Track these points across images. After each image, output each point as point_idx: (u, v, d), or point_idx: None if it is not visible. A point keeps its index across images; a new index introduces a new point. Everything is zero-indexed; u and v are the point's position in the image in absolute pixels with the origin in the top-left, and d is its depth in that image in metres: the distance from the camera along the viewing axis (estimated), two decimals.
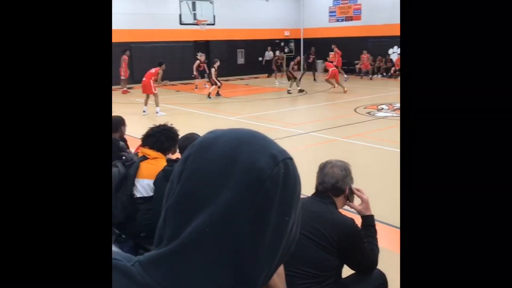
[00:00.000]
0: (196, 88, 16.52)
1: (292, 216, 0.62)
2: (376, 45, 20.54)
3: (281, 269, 0.70)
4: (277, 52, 20.34)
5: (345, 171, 2.25)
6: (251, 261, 0.59)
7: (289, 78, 14.97)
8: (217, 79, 13.79)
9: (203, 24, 19.17)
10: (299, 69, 18.36)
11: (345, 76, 18.25)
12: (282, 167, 0.60)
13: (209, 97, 13.71)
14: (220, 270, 0.57)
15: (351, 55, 20.39)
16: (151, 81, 11.09)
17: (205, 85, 16.18)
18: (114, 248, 0.92)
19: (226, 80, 18.40)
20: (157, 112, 10.84)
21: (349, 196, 2.27)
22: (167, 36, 19.35)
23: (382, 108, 11.61)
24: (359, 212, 2.36)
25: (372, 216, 2.36)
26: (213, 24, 19.60)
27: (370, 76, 19.63)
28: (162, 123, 3.40)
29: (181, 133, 3.32)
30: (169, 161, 3.08)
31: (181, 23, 18.88)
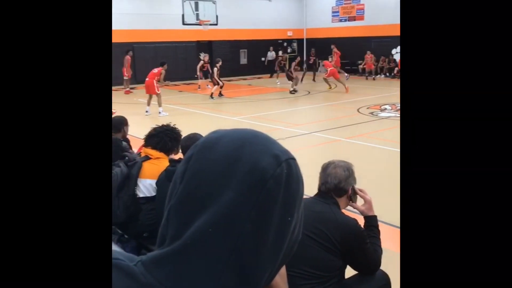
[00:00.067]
0: (199, 88, 16.53)
1: (295, 216, 0.62)
2: (379, 45, 20.49)
3: (283, 270, 0.70)
4: (280, 52, 20.29)
5: (348, 172, 2.24)
6: (254, 261, 0.58)
7: (289, 79, 14.98)
8: (219, 79, 13.80)
9: (206, 24, 19.21)
10: (301, 69, 18.35)
11: (346, 75, 18.22)
12: (285, 167, 0.60)
13: (212, 97, 13.72)
14: (223, 270, 0.57)
15: (354, 55, 20.38)
16: (154, 81, 11.11)
17: (207, 85, 16.20)
18: (117, 248, 0.93)
19: (229, 80, 18.40)
20: (159, 112, 10.84)
21: (352, 196, 2.26)
22: (170, 36, 19.36)
23: (385, 109, 11.58)
24: (362, 213, 2.35)
25: (375, 216, 2.35)
26: (216, 24, 19.65)
27: (373, 76, 19.62)
28: (165, 123, 3.41)
29: (184, 133, 3.32)
30: (172, 161, 3.09)
31: (183, 23, 18.94)
